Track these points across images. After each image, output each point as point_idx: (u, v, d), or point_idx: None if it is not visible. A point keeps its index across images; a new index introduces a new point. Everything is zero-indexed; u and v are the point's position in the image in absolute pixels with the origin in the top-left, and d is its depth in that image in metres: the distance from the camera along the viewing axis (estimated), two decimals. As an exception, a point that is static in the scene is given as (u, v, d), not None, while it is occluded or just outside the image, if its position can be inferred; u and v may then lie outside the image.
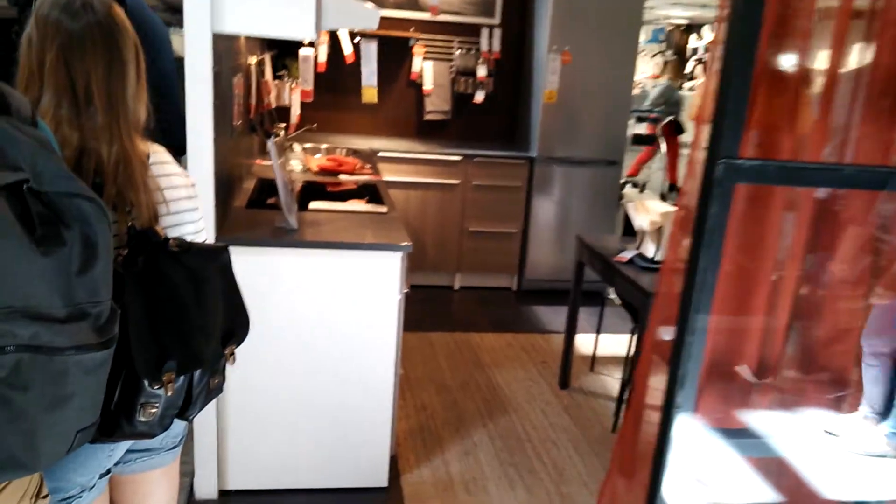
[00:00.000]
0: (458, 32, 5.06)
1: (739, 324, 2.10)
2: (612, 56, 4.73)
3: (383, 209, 2.90)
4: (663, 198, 8.62)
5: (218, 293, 1.38)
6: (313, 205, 2.86)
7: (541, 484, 2.80)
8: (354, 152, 4.42)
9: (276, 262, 2.38)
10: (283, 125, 4.04)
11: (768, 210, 1.99)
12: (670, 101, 8.65)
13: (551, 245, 4.96)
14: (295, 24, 2.18)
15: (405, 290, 2.54)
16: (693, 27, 13.18)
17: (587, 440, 3.16)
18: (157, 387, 1.25)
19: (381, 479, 2.66)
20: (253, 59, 3.20)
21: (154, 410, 1.27)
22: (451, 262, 4.90)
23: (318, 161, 3.64)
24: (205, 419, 2.46)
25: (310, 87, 3.70)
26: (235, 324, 1.43)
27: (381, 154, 4.58)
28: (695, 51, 14.13)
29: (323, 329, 2.48)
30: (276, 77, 4.09)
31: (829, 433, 2.11)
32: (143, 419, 1.27)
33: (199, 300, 1.32)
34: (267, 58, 3.69)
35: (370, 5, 2.54)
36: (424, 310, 4.50)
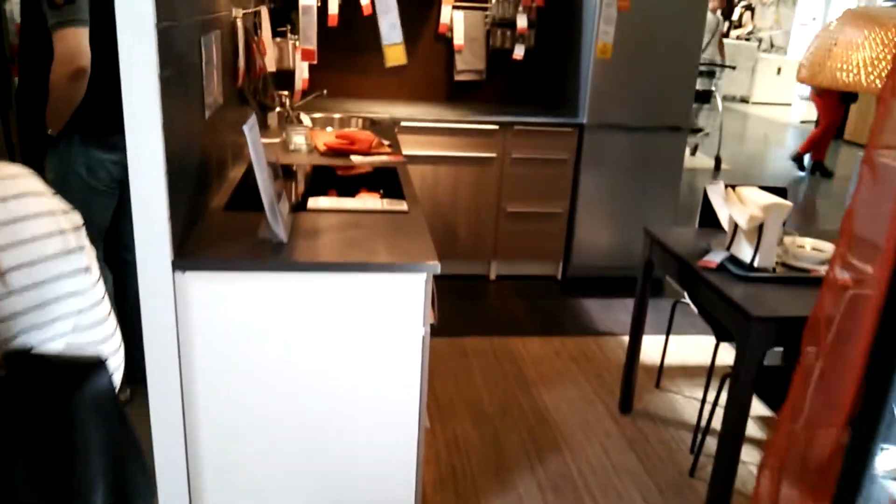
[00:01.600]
0: None
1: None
2: (678, 1, 3.95)
3: (402, 206, 2.25)
4: (718, 165, 7.81)
5: (90, 448, 0.76)
6: (313, 202, 2.23)
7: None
8: (372, 123, 3.75)
9: (259, 290, 1.76)
10: (285, 93, 3.39)
11: None
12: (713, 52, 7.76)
13: (602, 227, 4.27)
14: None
15: (431, 321, 1.91)
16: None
17: (658, 486, 2.53)
18: None
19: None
20: (239, 13, 2.53)
21: None
22: (487, 249, 4.25)
23: (326, 138, 2.98)
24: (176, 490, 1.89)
25: (312, 45, 3.03)
26: (126, 495, 0.82)
27: (403, 124, 3.91)
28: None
29: (324, 375, 1.87)
30: (276, 35, 3.42)
31: None
32: None
33: (36, 464, 0.71)
34: (263, 11, 3.02)
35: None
36: (456, 307, 3.88)
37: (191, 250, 1.78)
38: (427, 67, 4.43)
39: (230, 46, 2.47)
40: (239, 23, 2.51)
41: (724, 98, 10.51)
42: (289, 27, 3.74)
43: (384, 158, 2.85)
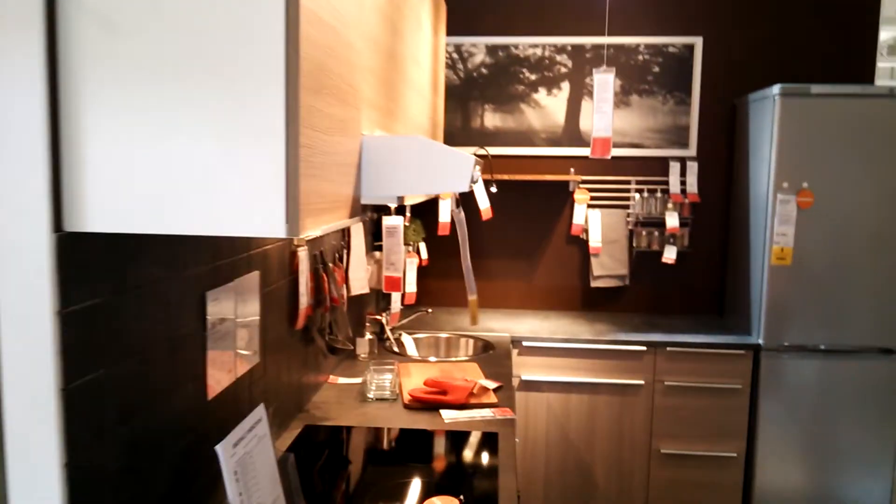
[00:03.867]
0: (637, 170, 3.72)
1: None
2: (884, 189, 3.11)
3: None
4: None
5: None
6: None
7: None
8: (485, 347, 3.10)
9: None
10: (382, 316, 2.85)
11: None
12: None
13: (794, 477, 3.21)
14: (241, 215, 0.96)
15: None
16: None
17: None
18: None
19: None
20: (302, 242, 2.05)
21: None
22: (636, 500, 3.30)
23: (413, 386, 2.35)
24: None
25: (398, 272, 2.48)
26: None
27: (526, 343, 3.23)
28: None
29: None
30: (374, 248, 2.96)
31: None
32: None
33: None
34: (356, 227, 2.56)
35: (464, 156, 1.33)
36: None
37: None
38: (558, 273, 3.80)
39: (286, 281, 1.97)
40: (302, 254, 2.02)
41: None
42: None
43: (486, 416, 2.15)
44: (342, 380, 2.48)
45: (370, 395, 2.28)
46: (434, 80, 2.66)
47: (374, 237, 3.24)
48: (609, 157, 3.11)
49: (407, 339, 3.08)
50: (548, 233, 3.78)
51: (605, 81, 2.97)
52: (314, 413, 2.15)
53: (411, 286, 3.28)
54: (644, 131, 3.68)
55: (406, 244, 3.32)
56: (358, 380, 2.47)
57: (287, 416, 2.04)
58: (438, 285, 3.82)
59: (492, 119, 3.74)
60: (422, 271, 3.79)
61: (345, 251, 2.48)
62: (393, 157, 1.34)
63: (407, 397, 2.24)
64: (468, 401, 2.24)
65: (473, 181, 1.40)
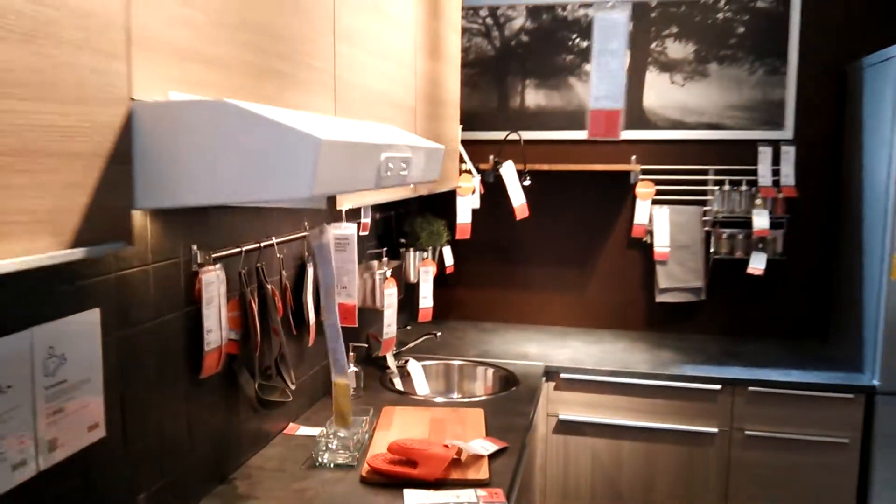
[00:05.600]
0: (716, 157, 2.98)
1: None
2: None
3: None
4: None
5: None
6: None
7: None
8: (507, 381, 2.47)
9: None
10: (375, 339, 2.29)
11: None
12: None
13: (921, 566, 2.42)
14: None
15: None
16: None
17: None
18: None
19: None
20: (208, 260, 1.51)
21: None
22: (704, 581, 2.60)
23: (382, 447, 1.77)
24: None
25: (352, 298, 1.84)
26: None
27: (565, 376, 2.58)
28: None
29: None
30: (374, 256, 2.39)
31: None
32: None
33: None
34: (329, 232, 2.00)
35: (299, 134, 0.73)
36: None
37: None
38: (614, 285, 3.11)
39: (179, 315, 1.43)
40: (209, 276, 1.48)
41: None
42: (405, 240, 2.73)
43: (467, 502, 1.54)
44: (303, 430, 1.93)
45: (320, 460, 1.72)
46: (430, 42, 2.06)
47: (382, 241, 2.67)
48: (618, 139, 2.37)
49: (415, 367, 2.51)
50: (603, 235, 3.10)
51: (611, 24, 2.22)
52: (237, 486, 1.61)
53: (427, 300, 2.71)
54: (725, 108, 2.94)
55: (421, 250, 2.74)
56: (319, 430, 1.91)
57: (193, 496, 1.51)
58: (466, 295, 3.22)
59: (534, 97, 3.09)
60: (443, 279, 3.20)
61: (310, 267, 1.92)
62: (183, 139, 0.77)
63: (365, 468, 1.66)
64: (446, 475, 1.63)
65: (381, 181, 0.81)
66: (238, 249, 1.60)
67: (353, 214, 2.22)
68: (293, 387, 1.67)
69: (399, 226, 2.82)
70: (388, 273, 2.23)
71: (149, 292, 1.33)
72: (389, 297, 2.21)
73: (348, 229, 1.71)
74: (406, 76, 1.82)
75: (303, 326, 1.92)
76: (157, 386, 1.37)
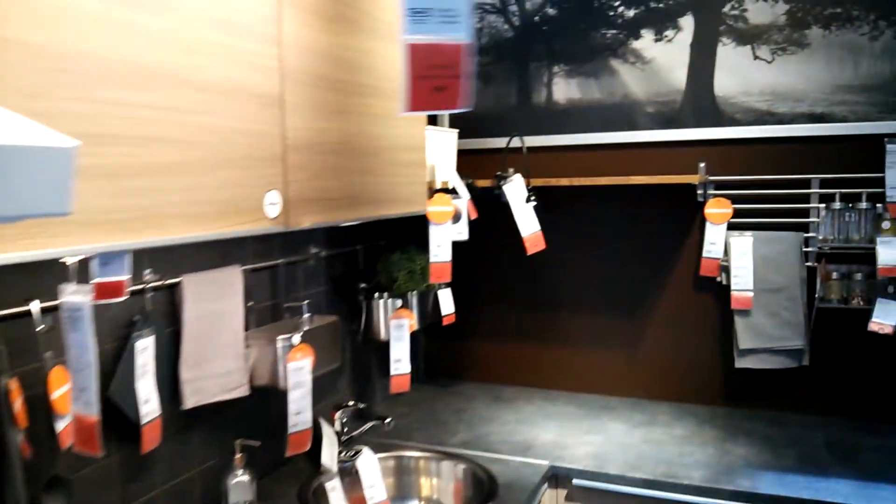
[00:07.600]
0: (821, 162, 2.08)
1: None
2: None
3: None
4: None
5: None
6: None
7: None
8: (477, 487, 1.71)
9: None
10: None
11: None
12: None
13: None
14: None
15: None
16: None
17: None
18: None
19: None
20: None
21: None
22: None
23: None
24: None
25: (91, 413, 1.14)
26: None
27: (579, 482, 1.79)
28: None
29: None
30: (362, 293, 1.74)
31: None
32: None
33: None
34: (187, 281, 1.37)
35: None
36: None
37: None
38: (675, 340, 2.26)
39: None
40: None
41: None
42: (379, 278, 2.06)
43: None
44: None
45: None
46: (325, 2, 1.38)
47: (341, 285, 2.01)
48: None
49: (367, 463, 1.82)
50: (660, 274, 2.27)
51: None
52: None
53: (402, 365, 2.02)
54: (834, 91, 2.04)
55: (398, 296, 2.06)
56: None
57: None
58: (481, 351, 2.49)
59: (565, 88, 2.33)
60: (441, 331, 2.49)
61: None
62: None
63: None
64: None
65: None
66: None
67: (87, 269, 1.58)
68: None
69: (370, 264, 2.15)
70: (297, 339, 1.57)
71: None
72: (297, 374, 1.55)
73: (79, 294, 1.05)
74: (249, 48, 1.16)
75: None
76: None
